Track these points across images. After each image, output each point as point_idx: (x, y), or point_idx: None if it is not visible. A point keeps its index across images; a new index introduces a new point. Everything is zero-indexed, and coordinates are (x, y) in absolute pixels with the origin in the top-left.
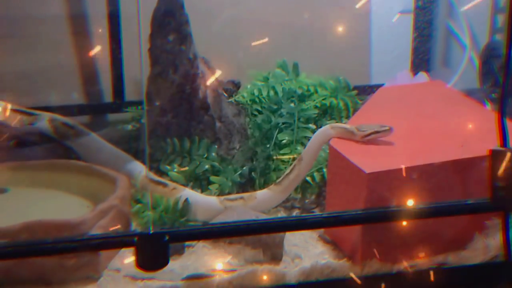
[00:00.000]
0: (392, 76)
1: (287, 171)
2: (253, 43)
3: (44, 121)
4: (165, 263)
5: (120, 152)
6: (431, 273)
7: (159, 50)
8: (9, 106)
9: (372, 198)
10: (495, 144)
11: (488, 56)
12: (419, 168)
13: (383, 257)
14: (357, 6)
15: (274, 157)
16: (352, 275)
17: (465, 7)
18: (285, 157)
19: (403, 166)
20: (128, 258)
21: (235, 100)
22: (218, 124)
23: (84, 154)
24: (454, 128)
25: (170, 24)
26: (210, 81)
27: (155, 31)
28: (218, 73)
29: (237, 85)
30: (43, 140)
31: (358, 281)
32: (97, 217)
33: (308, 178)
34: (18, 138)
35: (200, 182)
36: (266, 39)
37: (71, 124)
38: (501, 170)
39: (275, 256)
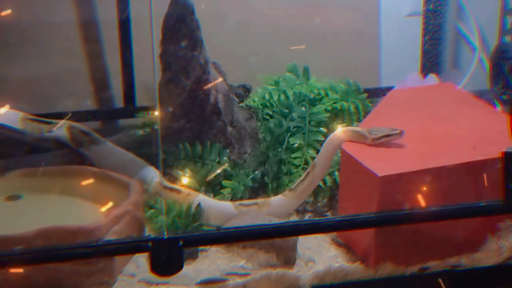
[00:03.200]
0: (402, 78)
1: (301, 177)
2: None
3: (63, 129)
4: (180, 267)
5: (133, 158)
6: (445, 275)
7: (170, 56)
8: (27, 115)
9: (385, 201)
10: (506, 146)
11: (498, 58)
12: (431, 170)
13: (396, 260)
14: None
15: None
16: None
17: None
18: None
19: (415, 169)
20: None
21: (246, 105)
22: (229, 128)
23: (98, 160)
24: (465, 130)
25: (181, 30)
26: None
27: (167, 36)
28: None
29: (248, 90)
30: (59, 147)
31: (372, 284)
32: (111, 223)
33: (320, 182)
34: (34, 145)
35: (213, 186)
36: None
37: (88, 131)
38: None
39: (288, 260)
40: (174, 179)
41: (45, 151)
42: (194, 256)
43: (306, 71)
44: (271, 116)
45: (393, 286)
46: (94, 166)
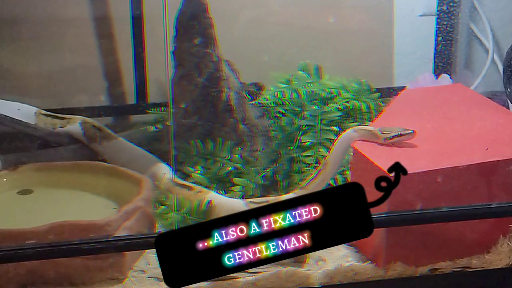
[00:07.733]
0: (415, 78)
1: (313, 175)
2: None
3: (76, 124)
4: None
5: (145, 154)
6: (455, 276)
7: (183, 53)
8: (41, 110)
9: (396, 201)
10: None
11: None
12: (443, 171)
13: (407, 261)
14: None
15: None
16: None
17: None
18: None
19: (427, 169)
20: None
21: (258, 103)
22: (241, 126)
23: (110, 155)
24: (478, 131)
25: (194, 27)
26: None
27: (180, 33)
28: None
29: (260, 88)
30: (71, 142)
31: (382, 285)
32: (122, 218)
33: (331, 180)
34: (47, 140)
35: (224, 184)
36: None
37: (101, 127)
38: None
39: (298, 258)
40: (186, 175)
41: (58, 146)
42: None
43: (318, 69)
44: (283, 114)
45: (403, 287)
46: (106, 162)
